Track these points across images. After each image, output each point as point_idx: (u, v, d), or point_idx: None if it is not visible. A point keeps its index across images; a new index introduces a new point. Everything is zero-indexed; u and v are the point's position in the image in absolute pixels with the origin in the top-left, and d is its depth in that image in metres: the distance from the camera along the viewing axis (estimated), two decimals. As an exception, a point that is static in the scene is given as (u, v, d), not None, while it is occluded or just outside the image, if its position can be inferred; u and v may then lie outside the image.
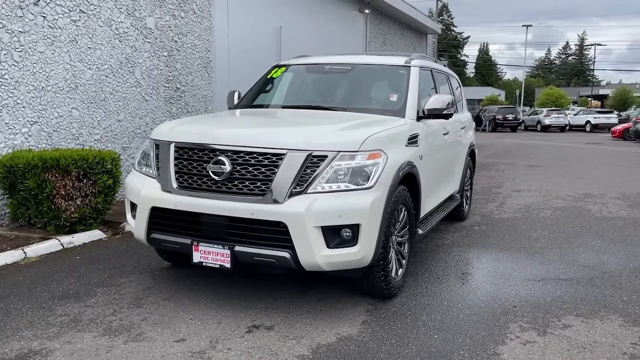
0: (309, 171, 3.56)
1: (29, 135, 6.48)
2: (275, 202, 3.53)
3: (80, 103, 7.14)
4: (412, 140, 4.39)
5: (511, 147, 20.80)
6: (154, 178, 4.02)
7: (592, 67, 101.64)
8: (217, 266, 3.69)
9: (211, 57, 9.60)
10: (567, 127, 37.10)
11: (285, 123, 4.44)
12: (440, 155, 5.34)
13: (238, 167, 3.66)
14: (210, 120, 4.62)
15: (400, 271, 4.21)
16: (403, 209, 4.15)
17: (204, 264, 3.73)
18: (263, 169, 3.61)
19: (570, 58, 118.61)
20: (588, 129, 36.71)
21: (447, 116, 4.87)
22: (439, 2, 31.23)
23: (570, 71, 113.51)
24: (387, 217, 3.75)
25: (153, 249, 5.26)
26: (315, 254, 3.48)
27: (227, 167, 3.66)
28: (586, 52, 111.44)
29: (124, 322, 3.63)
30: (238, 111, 5.04)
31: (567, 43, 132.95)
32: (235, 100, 5.52)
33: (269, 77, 5.54)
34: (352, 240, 3.56)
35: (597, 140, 27.25)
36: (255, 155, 3.64)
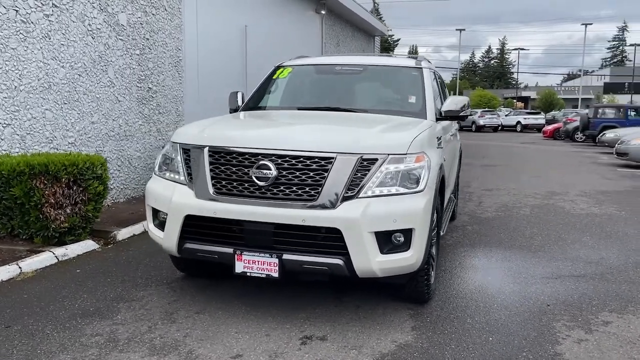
0: (359, 175, 3.46)
1: (1, 139, 5.96)
2: (327, 207, 3.41)
3: (54, 104, 6.65)
4: (439, 142, 4.39)
5: (457, 147, 21.41)
6: (184, 184, 3.78)
7: (513, 70, 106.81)
8: (264, 276, 3.52)
9: (181, 56, 9.23)
10: (500, 127, 38.80)
11: (325, 126, 4.25)
12: (450, 156, 5.39)
13: (284, 172, 3.50)
14: (239, 123, 4.41)
15: (433, 274, 4.19)
16: (435, 212, 4.14)
17: (248, 274, 3.55)
18: (311, 174, 3.47)
19: (492, 61, 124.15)
20: (519, 129, 38.58)
21: (463, 118, 4.91)
22: (374, 4, 31.73)
23: (493, 74, 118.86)
24: (432, 221, 3.73)
25: (155, 259, 5.03)
26: (371, 260, 3.39)
27: (273, 172, 3.49)
28: (506, 56, 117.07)
29: (166, 340, 3.38)
30: (255, 113, 4.84)
31: (490, 47, 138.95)
32: (240, 102, 5.30)
33: (274, 77, 5.37)
34: (405, 245, 3.50)
35: (530, 139, 28.65)
36: (302, 159, 3.50)
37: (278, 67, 5.51)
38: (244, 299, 4.07)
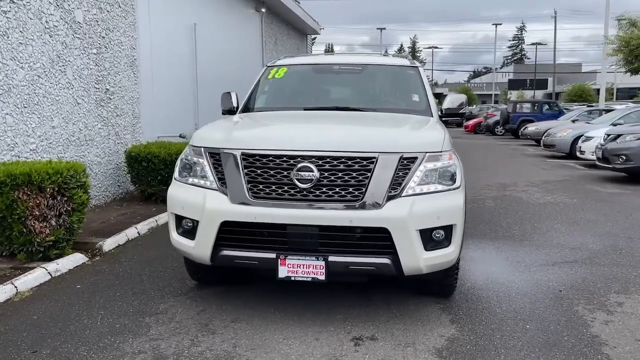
0: (401, 174, 3.50)
1: (-38, 147, 5.44)
2: (373, 207, 3.42)
3: (14, 108, 6.15)
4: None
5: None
6: (214, 190, 3.63)
7: (427, 68, 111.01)
8: (309, 280, 3.47)
9: (136, 55, 8.82)
10: (422, 123, 40.16)
11: (357, 126, 4.21)
12: None
13: (326, 173, 3.47)
14: (262, 124, 4.30)
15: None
16: None
17: (292, 278, 3.48)
18: (354, 174, 3.47)
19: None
20: (439, 124, 40.13)
21: (461, 115, 5.08)
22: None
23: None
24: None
25: (155, 269, 4.82)
26: (418, 257, 3.44)
27: (315, 174, 3.45)
28: (418, 55, 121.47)
29: (217, 352, 3.25)
30: (266, 114, 4.71)
31: (402, 46, 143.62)
32: (234, 103, 5.17)
33: (269, 77, 5.28)
34: (446, 241, 3.58)
35: (454, 134, 29.79)
36: (343, 160, 3.48)
37: (270, 67, 5.41)
38: (271, 304, 3.99)
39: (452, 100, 6.16)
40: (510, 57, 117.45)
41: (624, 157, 10.25)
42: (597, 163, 11.36)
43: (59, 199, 5.00)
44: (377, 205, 3.42)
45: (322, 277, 3.45)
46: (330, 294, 4.17)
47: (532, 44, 69.07)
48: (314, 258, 3.44)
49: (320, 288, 4.25)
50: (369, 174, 3.45)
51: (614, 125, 14.08)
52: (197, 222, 3.64)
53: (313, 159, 3.48)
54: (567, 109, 27.96)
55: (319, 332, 3.54)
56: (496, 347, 3.34)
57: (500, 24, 62.61)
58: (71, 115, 7.17)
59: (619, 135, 10.65)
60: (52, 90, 6.78)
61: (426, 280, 3.95)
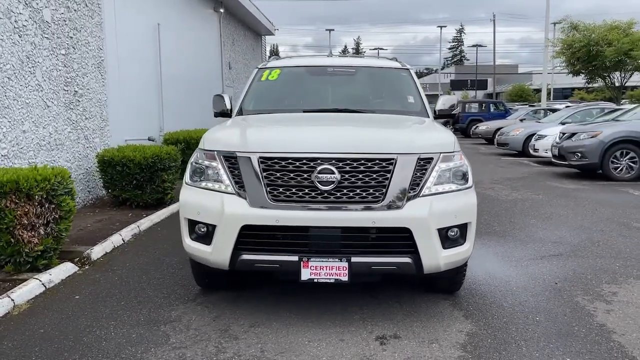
0: (418, 174, 3.58)
1: None
2: (394, 207, 3.48)
3: (-15, 111, 5.84)
4: None
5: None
6: (231, 194, 3.59)
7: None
8: (332, 281, 3.49)
9: (103, 56, 8.54)
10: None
11: (370, 128, 4.23)
12: None
13: (346, 175, 3.50)
14: (273, 127, 4.26)
15: None
16: None
17: (315, 280, 3.49)
18: (374, 175, 3.52)
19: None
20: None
21: (453, 116, 5.23)
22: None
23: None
24: None
25: (152, 276, 4.72)
26: (438, 256, 3.53)
27: (337, 176, 3.47)
28: (362, 56, 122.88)
29: (247, 358, 3.21)
30: (269, 117, 4.66)
31: (346, 47, 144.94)
32: (227, 105, 5.13)
33: (262, 79, 5.25)
34: (462, 239, 3.69)
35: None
36: (363, 161, 3.52)
37: (262, 69, 5.38)
38: (285, 307, 3.98)
39: (444, 101, 6.27)
40: (450, 59, 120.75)
41: (579, 154, 10.80)
42: (553, 160, 11.91)
43: (47, 206, 4.79)
44: (398, 206, 3.48)
45: (345, 279, 3.48)
46: (339, 295, 4.20)
47: (473, 45, 71.37)
48: (337, 260, 3.46)
49: (328, 290, 4.27)
50: (388, 175, 3.51)
51: (563, 124, 14.81)
52: (214, 226, 3.58)
53: (333, 161, 3.50)
54: (511, 108, 29.12)
55: (341, 332, 3.57)
56: (515, 339, 3.47)
57: (445, 26, 64.39)
58: (41, 118, 6.87)
59: (574, 134, 11.21)
60: (22, 92, 6.48)
61: (437, 277, 4.03)
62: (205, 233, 3.68)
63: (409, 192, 3.52)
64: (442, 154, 3.67)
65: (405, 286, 4.40)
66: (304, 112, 4.79)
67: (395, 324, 3.71)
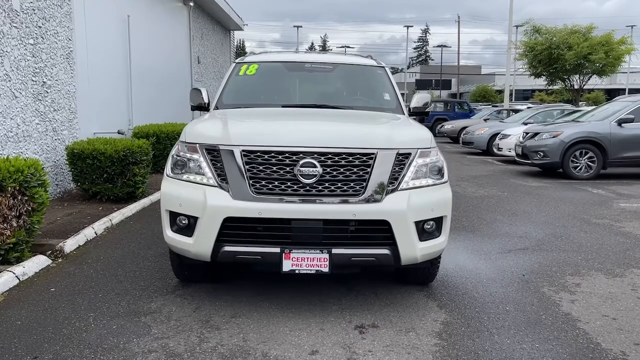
0: (397, 169, 3.69)
1: None
2: (374, 201, 3.59)
3: (-49, 101, 5.68)
4: None
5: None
6: (214, 186, 3.63)
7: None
8: (313, 272, 3.57)
9: (72, 47, 8.38)
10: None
11: (349, 123, 4.32)
12: None
13: (328, 169, 3.59)
14: (258, 121, 4.30)
15: None
16: None
17: (297, 271, 3.57)
18: (355, 169, 3.61)
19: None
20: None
21: (427, 114, 5.38)
22: None
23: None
24: None
25: (128, 269, 4.73)
26: (415, 248, 3.65)
27: (319, 170, 3.56)
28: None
29: (230, 347, 3.27)
30: (248, 111, 4.69)
31: (313, 44, 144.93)
32: (205, 99, 5.14)
33: (240, 74, 5.28)
34: (437, 231, 3.82)
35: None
36: (344, 155, 3.61)
37: (240, 64, 5.41)
38: (264, 298, 4.04)
39: (418, 99, 6.39)
40: (415, 58, 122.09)
41: (542, 154, 11.18)
42: (517, 159, 12.29)
43: (19, 198, 4.72)
44: (377, 199, 3.59)
45: (326, 270, 3.57)
46: (318, 286, 4.29)
47: (438, 46, 72.58)
48: (318, 251, 3.54)
49: (307, 282, 4.36)
50: (369, 169, 3.61)
51: (525, 124, 15.27)
52: (196, 218, 3.62)
53: (315, 155, 3.58)
54: (475, 108, 29.77)
55: (321, 322, 3.66)
56: (487, 328, 3.63)
57: (412, 26, 65.17)
58: (9, 109, 6.71)
59: (536, 134, 11.59)
60: (-10, 82, 6.32)
61: (412, 269, 4.16)
62: (186, 225, 3.70)
63: (388, 186, 3.63)
64: (419, 150, 3.80)
65: (380, 278, 4.53)
66: (283, 107, 4.85)
67: (372, 314, 3.82)
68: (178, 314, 3.76)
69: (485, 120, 20.66)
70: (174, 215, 3.76)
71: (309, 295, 4.12)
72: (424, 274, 4.28)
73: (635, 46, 22.18)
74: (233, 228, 3.57)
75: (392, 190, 3.64)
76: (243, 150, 3.61)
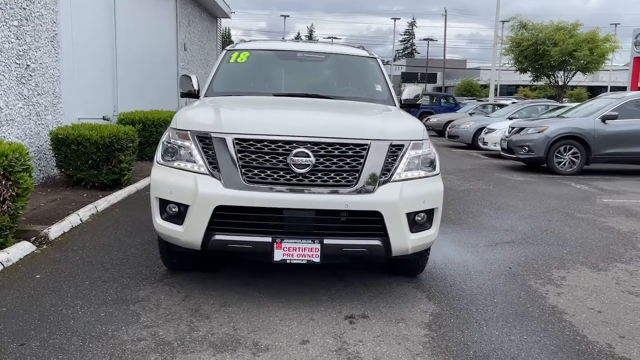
0: (390, 160, 3.69)
1: None
2: (366, 192, 3.58)
3: None
4: None
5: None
6: (205, 174, 3.59)
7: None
8: (304, 262, 3.56)
9: (57, 30, 8.22)
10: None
11: (342, 113, 4.29)
12: None
13: (321, 159, 3.57)
14: (251, 109, 4.25)
15: None
16: None
17: (288, 261, 3.55)
18: (348, 160, 3.60)
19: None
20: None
21: (418, 106, 5.38)
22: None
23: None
24: None
25: (115, 257, 4.69)
26: (406, 239, 3.66)
27: (312, 160, 3.54)
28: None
29: (220, 336, 3.26)
30: (240, 99, 4.64)
31: (299, 34, 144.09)
32: (195, 86, 5.08)
33: (231, 61, 5.22)
34: (428, 223, 3.83)
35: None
36: (337, 146, 3.60)
37: (230, 51, 5.34)
38: (254, 288, 4.03)
39: (409, 91, 6.40)
40: (402, 51, 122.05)
41: (527, 148, 11.29)
42: (502, 153, 12.39)
43: (3, 183, 4.63)
44: (370, 190, 3.58)
45: (317, 260, 3.56)
46: (307, 277, 4.29)
47: (425, 39, 72.69)
48: (310, 241, 3.53)
49: (296, 272, 4.35)
50: (362, 160, 3.60)
51: (510, 119, 15.39)
52: (187, 206, 3.58)
53: (308, 145, 3.56)
54: (460, 102, 29.93)
55: (311, 312, 3.66)
56: (476, 319, 3.66)
57: (399, 19, 65.12)
58: (-8, 92, 6.57)
59: (522, 128, 11.69)
60: (-27, 64, 6.17)
61: (402, 260, 4.17)
62: (176, 213, 3.67)
63: (381, 178, 3.63)
64: (412, 142, 3.80)
65: (369, 269, 4.54)
66: (274, 95, 4.81)
67: (362, 304, 3.83)
68: (167, 302, 3.73)
69: (470, 114, 20.80)
70: (163, 203, 3.72)
71: (298, 285, 4.11)
72: (413, 265, 4.30)
73: (619, 44, 22.46)
74: (224, 217, 3.54)
75: (385, 182, 3.64)
76: (235, 139, 3.57)
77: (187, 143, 3.70)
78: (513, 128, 12.05)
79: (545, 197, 8.45)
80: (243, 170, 3.54)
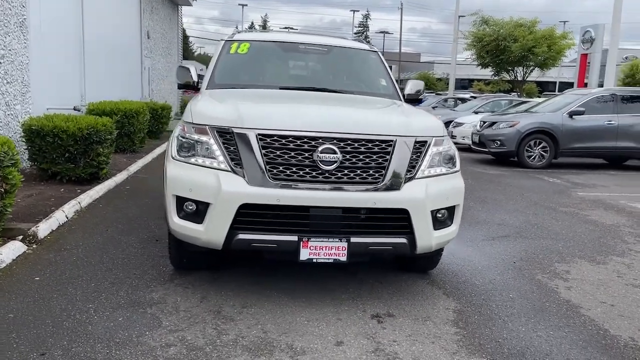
0: (414, 157, 3.65)
1: None
2: (392, 189, 3.52)
3: None
4: None
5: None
6: (227, 171, 3.45)
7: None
8: (331, 261, 3.48)
9: (26, 15, 7.76)
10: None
11: (368, 109, 4.22)
12: None
13: (347, 156, 3.49)
14: (269, 103, 4.10)
15: None
16: None
17: (314, 260, 3.46)
18: (374, 156, 3.53)
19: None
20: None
21: (420, 101, 5.36)
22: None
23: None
24: None
25: (114, 256, 4.48)
26: (431, 237, 3.63)
27: (339, 156, 3.45)
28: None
29: (251, 339, 3.14)
30: (243, 92, 4.47)
31: (252, 24, 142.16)
32: (194, 77, 4.90)
33: (232, 52, 5.04)
34: (449, 220, 3.82)
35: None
36: (363, 142, 3.52)
37: (229, 42, 5.16)
38: (271, 288, 3.91)
39: (412, 86, 6.39)
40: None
41: (499, 142, 11.53)
42: (472, 147, 12.61)
43: (-8, 179, 4.32)
44: (396, 187, 3.52)
45: (344, 259, 3.48)
46: (316, 275, 4.20)
47: (380, 32, 73.26)
48: (337, 240, 3.45)
49: (305, 269, 4.24)
50: (388, 157, 3.54)
51: (476, 112, 15.69)
52: (207, 204, 3.43)
53: (334, 141, 3.46)
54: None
55: (336, 312, 3.58)
56: (499, 315, 3.67)
57: (358, 11, 65.25)
58: (-38, 80, 6.13)
59: (494, 123, 11.93)
60: (-58, 49, 5.73)
61: (420, 256, 4.14)
62: (194, 211, 3.50)
63: (406, 174, 3.58)
64: (434, 138, 3.76)
65: (378, 265, 4.49)
66: (280, 88, 4.68)
67: (384, 302, 3.79)
68: (185, 305, 3.57)
69: (433, 108, 21.04)
70: (181, 201, 3.54)
71: (314, 284, 4.03)
72: (428, 261, 4.29)
73: (574, 41, 23.24)
74: (248, 215, 3.40)
75: (410, 179, 3.59)
76: (259, 134, 3.43)
77: (204, 138, 3.54)
78: (485, 122, 12.28)
79: (523, 190, 8.65)
80: (268, 167, 3.41)
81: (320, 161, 3.42)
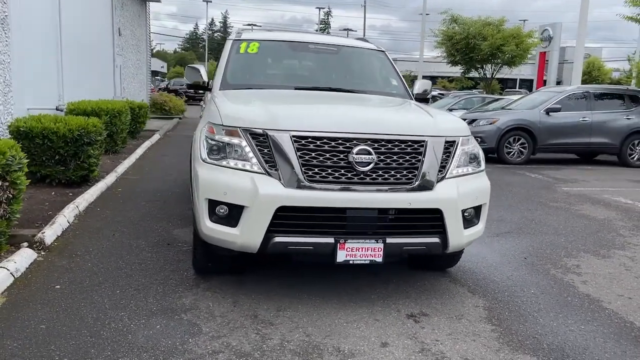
0: (444, 157, 3.69)
1: None
2: (426, 189, 3.55)
3: None
4: None
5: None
6: (262, 173, 3.40)
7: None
8: (367, 262, 3.48)
9: (7, 12, 7.45)
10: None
11: (397, 110, 4.25)
12: None
13: (382, 156, 3.49)
14: (300, 104, 4.09)
15: None
16: None
17: (351, 262, 3.45)
18: (407, 157, 3.55)
19: (216, 34, 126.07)
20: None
21: (427, 100, 5.41)
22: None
23: (217, 47, 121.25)
24: None
25: (129, 261, 4.38)
26: (462, 235, 3.68)
27: (374, 157, 3.45)
28: (230, 30, 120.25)
29: (297, 342, 3.11)
30: (260, 93, 4.40)
31: (213, 20, 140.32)
32: (204, 77, 4.83)
33: (241, 52, 4.97)
34: (476, 219, 3.88)
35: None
36: (397, 142, 3.53)
37: (237, 41, 5.08)
38: (302, 290, 3.88)
39: (420, 86, 6.42)
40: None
41: (480, 139, 11.71)
42: (452, 144, 12.80)
43: (0, 184, 4.14)
44: (429, 187, 3.56)
45: (380, 260, 3.49)
46: (338, 275, 4.19)
47: (344, 29, 73.43)
48: (373, 241, 3.45)
49: (329, 271, 4.23)
50: (420, 157, 3.56)
51: (451, 110, 15.95)
52: (242, 208, 3.38)
53: (369, 142, 3.47)
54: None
55: (371, 313, 3.59)
56: (528, 311, 3.75)
57: (323, 8, 65.26)
58: (-52, 80, 5.85)
59: (474, 120, 12.15)
60: None
61: (444, 255, 4.19)
62: (227, 214, 3.45)
63: (438, 174, 3.61)
64: (461, 138, 3.81)
65: (396, 264, 4.49)
66: (296, 89, 4.65)
67: (414, 302, 3.81)
68: (219, 310, 3.51)
69: (405, 105, 21.29)
70: (213, 204, 3.48)
71: (340, 285, 4.02)
72: (450, 259, 4.34)
73: (540, 39, 23.91)
74: (284, 217, 3.37)
75: (441, 179, 3.63)
76: (294, 136, 3.40)
77: (236, 140, 3.48)
78: (465, 120, 12.47)
79: (510, 186, 8.85)
80: (303, 168, 3.39)
81: (355, 162, 3.41)
